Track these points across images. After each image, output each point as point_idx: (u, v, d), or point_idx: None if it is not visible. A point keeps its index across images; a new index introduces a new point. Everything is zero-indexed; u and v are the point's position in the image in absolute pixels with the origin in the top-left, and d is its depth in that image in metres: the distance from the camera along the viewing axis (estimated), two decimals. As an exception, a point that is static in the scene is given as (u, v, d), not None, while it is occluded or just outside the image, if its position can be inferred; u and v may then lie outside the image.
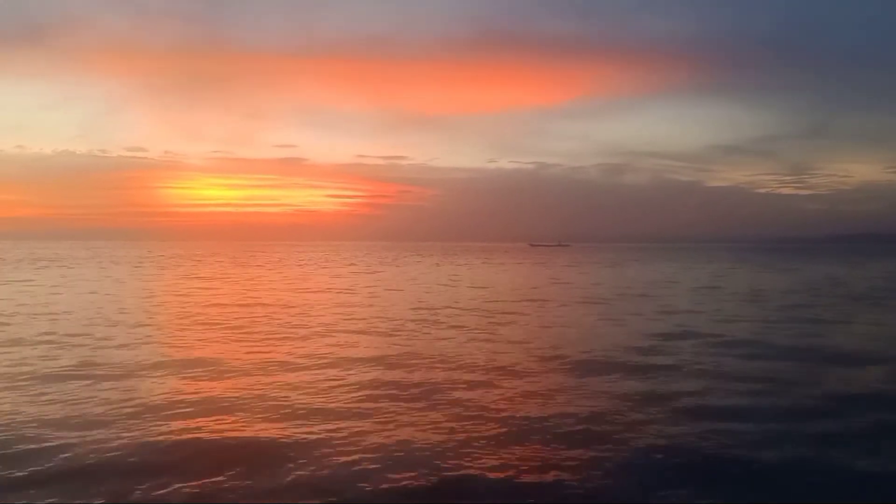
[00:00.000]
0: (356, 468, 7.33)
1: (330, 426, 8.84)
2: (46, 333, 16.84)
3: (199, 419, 9.13)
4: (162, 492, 6.65)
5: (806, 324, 20.54)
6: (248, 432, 8.60)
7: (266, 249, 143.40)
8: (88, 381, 11.35)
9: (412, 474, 7.17)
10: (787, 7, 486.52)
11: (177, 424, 8.87)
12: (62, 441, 8.07)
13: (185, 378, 11.84)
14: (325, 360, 13.56)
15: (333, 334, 17.44)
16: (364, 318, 20.90)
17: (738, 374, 12.69)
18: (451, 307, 24.35)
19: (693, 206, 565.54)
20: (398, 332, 17.84)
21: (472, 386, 11.36)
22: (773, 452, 8.03)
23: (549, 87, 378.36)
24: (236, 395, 10.59)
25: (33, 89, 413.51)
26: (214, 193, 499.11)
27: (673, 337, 17.14)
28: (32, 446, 7.88)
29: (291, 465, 7.39)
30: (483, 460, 7.61)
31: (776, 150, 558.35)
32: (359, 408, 9.83)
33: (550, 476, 7.20)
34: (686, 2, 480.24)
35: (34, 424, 8.79)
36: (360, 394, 10.71)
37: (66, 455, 7.59)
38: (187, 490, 6.69)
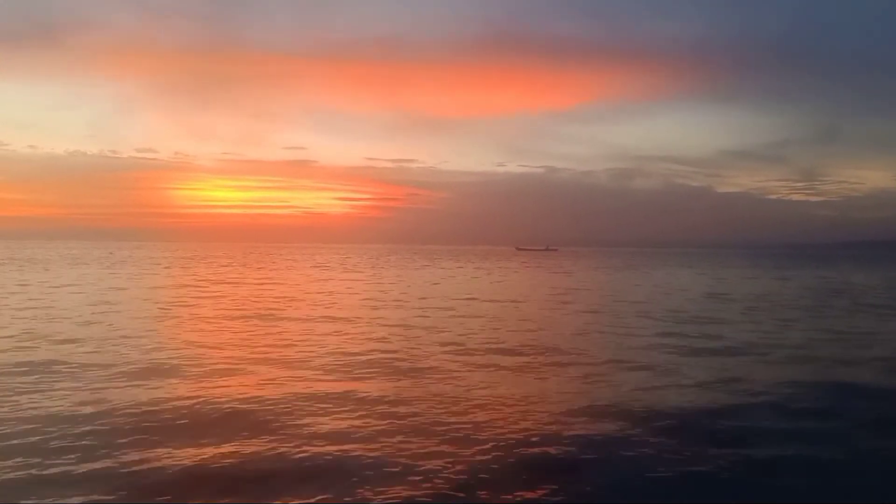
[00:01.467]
0: None
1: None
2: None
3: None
4: None
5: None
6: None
7: (282, 251, 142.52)
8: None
9: None
10: (797, 11, 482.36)
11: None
12: None
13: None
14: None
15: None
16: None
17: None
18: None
19: (703, 212, 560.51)
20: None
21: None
22: None
23: (559, 90, 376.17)
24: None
25: (45, 89, 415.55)
26: (224, 195, 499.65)
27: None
28: None
29: None
30: None
31: (787, 156, 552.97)
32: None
33: None
34: (696, 6, 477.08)
35: None
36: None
37: None
38: None
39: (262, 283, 38.70)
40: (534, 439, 8.34)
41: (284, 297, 29.13)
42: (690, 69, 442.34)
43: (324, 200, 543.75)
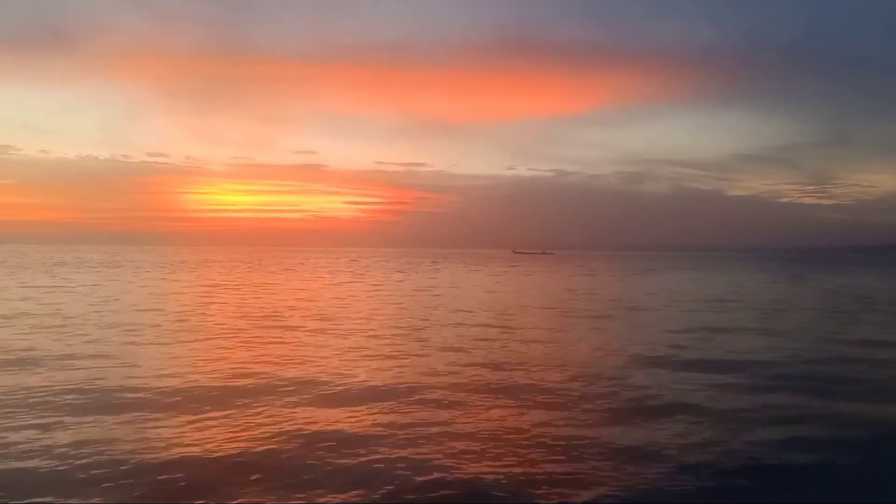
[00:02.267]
0: None
1: None
2: None
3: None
4: None
5: None
6: None
7: (294, 256, 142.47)
8: None
9: None
10: (807, 14, 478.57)
11: None
12: None
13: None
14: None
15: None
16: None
17: None
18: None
19: (712, 215, 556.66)
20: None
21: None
22: None
23: (568, 94, 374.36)
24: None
25: (57, 94, 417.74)
26: (234, 199, 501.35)
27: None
28: None
29: None
30: None
31: (798, 160, 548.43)
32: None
33: None
34: (705, 9, 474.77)
35: None
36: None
37: None
38: None
39: (288, 289, 38.09)
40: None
41: (319, 307, 28.42)
42: (699, 72, 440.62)
43: (334, 204, 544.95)
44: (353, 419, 9.63)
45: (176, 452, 8.00)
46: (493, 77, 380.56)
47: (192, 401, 10.51)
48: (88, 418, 9.39)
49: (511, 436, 8.94)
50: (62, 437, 8.45)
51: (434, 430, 9.10)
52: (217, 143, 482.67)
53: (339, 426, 9.26)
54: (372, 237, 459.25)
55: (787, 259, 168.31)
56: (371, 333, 19.12)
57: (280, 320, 22.16)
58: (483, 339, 18.02)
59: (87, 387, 11.40)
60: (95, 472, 7.26)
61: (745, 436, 9.15)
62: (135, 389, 11.29)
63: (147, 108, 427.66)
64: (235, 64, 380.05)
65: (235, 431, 8.86)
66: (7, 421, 9.23)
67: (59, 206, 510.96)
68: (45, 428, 8.86)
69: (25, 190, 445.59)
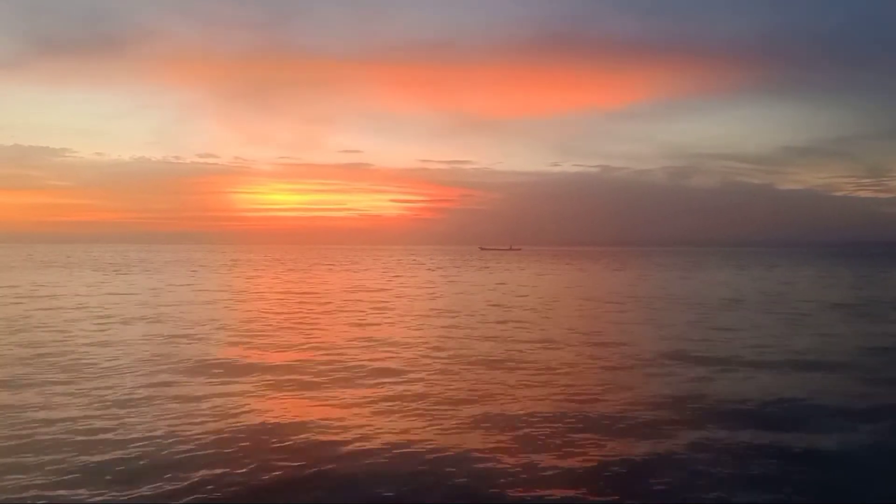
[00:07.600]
0: None
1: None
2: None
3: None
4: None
5: None
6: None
7: (347, 253, 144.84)
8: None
9: None
10: (858, 4, 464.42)
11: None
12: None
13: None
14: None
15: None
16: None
17: None
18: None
19: (764, 210, 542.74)
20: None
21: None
22: None
23: (613, 89, 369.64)
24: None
25: (110, 98, 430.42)
26: (282, 198, 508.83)
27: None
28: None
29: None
30: None
31: (852, 152, 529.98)
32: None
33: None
34: (753, 0, 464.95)
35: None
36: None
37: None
38: None
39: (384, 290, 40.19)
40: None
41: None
42: (749, 64, 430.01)
43: (379, 202, 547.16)
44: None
45: None
46: (536, 73, 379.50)
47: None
48: None
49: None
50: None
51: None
52: (265, 143, 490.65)
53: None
54: (417, 235, 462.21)
55: (844, 255, 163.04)
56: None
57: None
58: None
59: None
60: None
61: None
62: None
63: (197, 111, 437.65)
64: (281, 66, 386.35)
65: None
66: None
67: (114, 207, 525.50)
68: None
69: (82, 192, 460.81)
